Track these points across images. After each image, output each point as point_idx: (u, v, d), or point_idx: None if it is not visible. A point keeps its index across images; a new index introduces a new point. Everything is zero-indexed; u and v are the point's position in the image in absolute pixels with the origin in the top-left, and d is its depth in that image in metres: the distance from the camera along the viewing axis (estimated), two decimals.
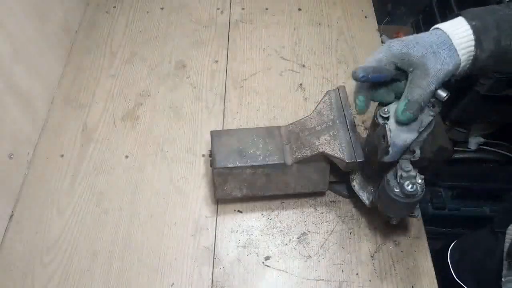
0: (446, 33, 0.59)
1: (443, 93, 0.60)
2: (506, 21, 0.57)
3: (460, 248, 1.05)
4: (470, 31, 0.57)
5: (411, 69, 0.60)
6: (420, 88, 0.58)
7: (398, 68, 0.61)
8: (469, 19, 0.58)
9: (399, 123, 0.61)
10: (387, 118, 0.62)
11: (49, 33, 0.96)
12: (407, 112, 0.59)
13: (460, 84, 0.66)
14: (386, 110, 0.63)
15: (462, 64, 0.58)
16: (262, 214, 0.81)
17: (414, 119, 0.60)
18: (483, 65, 0.58)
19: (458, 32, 0.58)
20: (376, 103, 0.67)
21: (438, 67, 0.58)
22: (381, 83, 0.63)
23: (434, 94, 0.60)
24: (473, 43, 0.57)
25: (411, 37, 0.61)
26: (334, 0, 1.16)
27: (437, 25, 0.60)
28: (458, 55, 0.58)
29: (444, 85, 0.60)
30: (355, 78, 0.60)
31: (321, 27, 1.11)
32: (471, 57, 0.58)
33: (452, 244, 1.06)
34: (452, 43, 0.58)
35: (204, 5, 1.15)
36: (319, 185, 0.78)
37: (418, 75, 0.59)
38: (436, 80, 0.58)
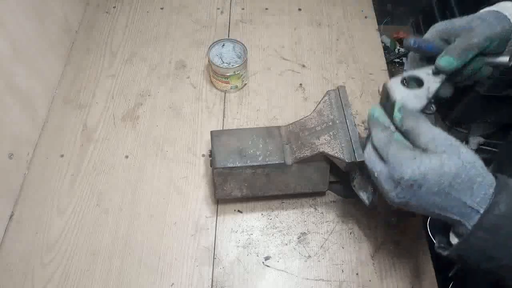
0: (493, 9, 0.59)
1: (504, 58, 0.57)
2: None
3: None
4: None
5: (455, 37, 0.58)
6: (462, 38, 0.57)
7: (445, 42, 0.60)
8: None
9: (438, 72, 0.57)
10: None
11: (49, 33, 0.96)
12: (446, 56, 0.56)
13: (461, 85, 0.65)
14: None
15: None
16: (262, 214, 0.81)
17: (455, 66, 0.56)
18: None
19: (508, 6, 0.58)
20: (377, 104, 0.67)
21: (484, 27, 0.57)
22: (431, 59, 0.60)
23: (491, 59, 0.57)
24: None
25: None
26: (334, 0, 1.16)
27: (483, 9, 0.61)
28: (509, 19, 0.57)
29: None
30: (406, 45, 0.57)
31: (321, 27, 1.11)
32: None
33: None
34: (500, 12, 0.58)
35: (204, 5, 1.15)
36: (319, 185, 0.78)
37: (462, 36, 0.58)
38: (480, 36, 0.56)
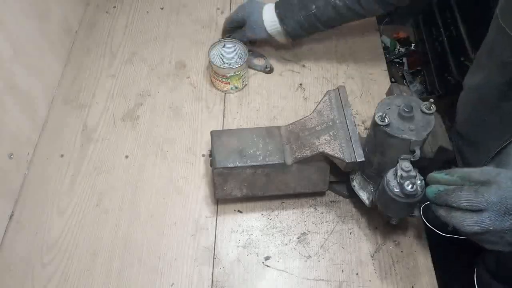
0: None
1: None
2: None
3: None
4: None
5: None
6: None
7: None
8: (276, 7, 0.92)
9: None
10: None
11: (49, 33, 0.96)
12: None
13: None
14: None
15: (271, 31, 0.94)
16: (262, 214, 0.81)
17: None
18: (292, 31, 0.93)
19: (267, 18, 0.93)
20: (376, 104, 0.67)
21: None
22: None
23: None
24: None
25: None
26: None
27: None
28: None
29: None
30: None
31: None
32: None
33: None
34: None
35: (204, 5, 1.15)
36: (319, 185, 0.78)
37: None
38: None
